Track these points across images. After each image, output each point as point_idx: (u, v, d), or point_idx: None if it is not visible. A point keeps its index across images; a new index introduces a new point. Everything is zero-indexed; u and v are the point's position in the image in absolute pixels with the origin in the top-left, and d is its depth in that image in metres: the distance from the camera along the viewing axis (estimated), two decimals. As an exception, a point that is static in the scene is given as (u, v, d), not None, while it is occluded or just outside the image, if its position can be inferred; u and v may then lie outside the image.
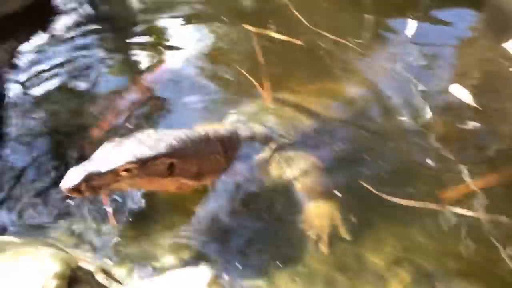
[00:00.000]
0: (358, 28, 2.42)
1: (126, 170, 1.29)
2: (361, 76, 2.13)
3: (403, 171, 1.65)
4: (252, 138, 1.66)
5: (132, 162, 1.29)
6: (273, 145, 1.67)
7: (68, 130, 1.89)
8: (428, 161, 1.65)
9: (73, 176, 1.23)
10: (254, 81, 2.03)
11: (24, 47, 2.39)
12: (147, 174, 1.34)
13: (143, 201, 1.56)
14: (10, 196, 1.55)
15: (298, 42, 2.27)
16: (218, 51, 2.37)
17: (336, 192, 1.53)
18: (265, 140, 1.68)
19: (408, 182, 1.58)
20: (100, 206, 1.51)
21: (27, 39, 2.42)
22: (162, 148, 1.35)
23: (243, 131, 1.67)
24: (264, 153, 1.64)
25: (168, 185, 1.46)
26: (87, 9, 2.71)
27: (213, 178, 1.58)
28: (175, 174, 1.40)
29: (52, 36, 2.48)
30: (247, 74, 2.06)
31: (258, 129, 1.71)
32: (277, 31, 2.36)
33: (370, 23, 2.47)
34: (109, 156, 1.31)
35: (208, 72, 2.22)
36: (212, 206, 1.56)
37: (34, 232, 1.36)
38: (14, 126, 1.91)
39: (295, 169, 1.59)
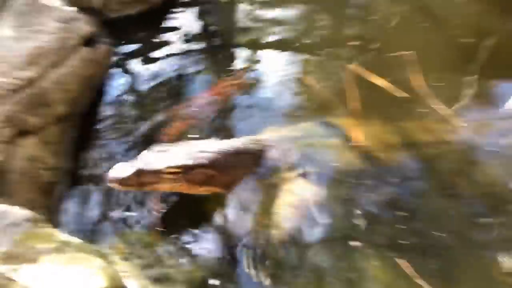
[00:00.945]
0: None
1: (171, 173, 1.43)
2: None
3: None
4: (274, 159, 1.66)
5: (178, 167, 1.43)
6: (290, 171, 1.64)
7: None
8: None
9: (122, 169, 1.42)
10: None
11: (131, 48, 2.61)
12: (187, 180, 1.48)
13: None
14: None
15: (402, 93, 2.06)
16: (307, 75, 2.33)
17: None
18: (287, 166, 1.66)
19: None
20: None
21: (136, 42, 2.66)
22: (204, 159, 1.48)
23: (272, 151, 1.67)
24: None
25: (201, 191, 1.57)
26: (195, 21, 2.86)
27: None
28: (212, 183, 1.53)
29: (157, 42, 2.67)
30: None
31: (290, 154, 1.67)
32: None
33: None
34: (157, 158, 1.46)
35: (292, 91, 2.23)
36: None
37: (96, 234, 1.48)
38: (107, 122, 2.10)
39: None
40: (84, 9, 2.62)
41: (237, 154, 1.57)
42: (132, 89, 2.33)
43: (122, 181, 1.42)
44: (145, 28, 2.74)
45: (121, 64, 2.46)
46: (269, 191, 1.61)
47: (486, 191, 1.62)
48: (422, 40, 2.43)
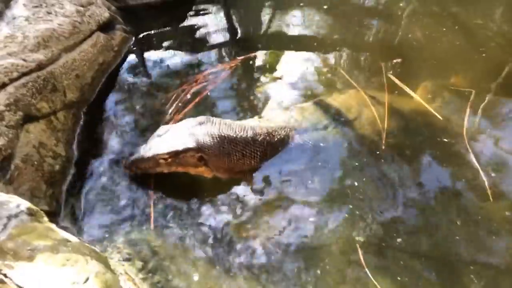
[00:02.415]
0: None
1: (162, 159, 1.52)
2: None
3: None
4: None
5: (165, 154, 1.51)
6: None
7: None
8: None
9: (130, 158, 1.59)
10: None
11: (148, 37, 2.53)
12: (179, 164, 1.54)
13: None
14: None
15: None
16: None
17: None
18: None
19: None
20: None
21: (153, 30, 2.57)
22: (191, 143, 1.51)
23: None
24: None
25: (204, 173, 1.59)
26: (220, 18, 2.75)
27: (246, 174, 1.64)
28: (208, 165, 1.55)
29: (174, 32, 2.59)
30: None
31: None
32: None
33: None
34: (154, 144, 1.55)
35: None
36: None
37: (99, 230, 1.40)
38: (118, 109, 2.02)
39: None
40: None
41: (230, 140, 1.56)
42: (145, 76, 2.24)
43: (126, 168, 1.61)
44: (163, 18, 2.66)
45: (137, 52, 2.38)
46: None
47: None
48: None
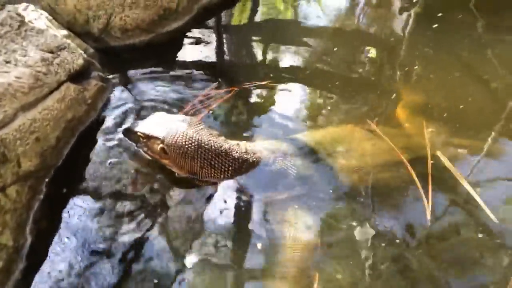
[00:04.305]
0: None
1: (140, 137, 1.65)
2: None
3: None
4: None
5: (141, 132, 1.64)
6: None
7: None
8: None
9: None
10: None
11: (128, 82, 2.22)
12: (148, 147, 1.66)
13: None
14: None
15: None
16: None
17: None
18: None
19: None
20: None
21: (135, 75, 2.27)
22: (159, 132, 1.60)
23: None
24: None
25: (171, 167, 1.64)
26: (198, 57, 2.49)
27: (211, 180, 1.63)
28: (169, 159, 1.61)
29: (157, 76, 2.29)
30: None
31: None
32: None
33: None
34: (141, 123, 1.68)
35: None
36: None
37: None
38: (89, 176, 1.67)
39: None
40: (81, 34, 2.26)
41: (199, 145, 1.57)
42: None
43: (123, 134, 1.77)
44: (151, 60, 2.37)
45: (117, 101, 2.06)
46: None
47: None
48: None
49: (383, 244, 1.46)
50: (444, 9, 2.77)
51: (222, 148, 1.59)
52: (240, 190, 1.62)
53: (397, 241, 1.47)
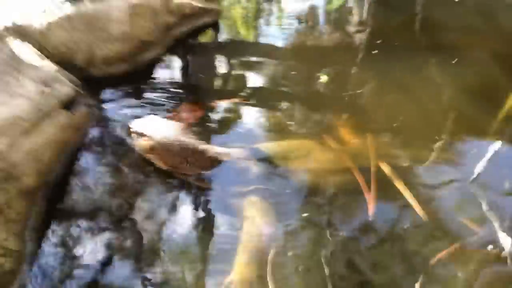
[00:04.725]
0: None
1: (133, 133, 2.06)
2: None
3: None
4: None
5: (135, 130, 2.04)
6: None
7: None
8: None
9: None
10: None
11: (111, 108, 2.49)
12: (139, 143, 2.03)
13: None
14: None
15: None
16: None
17: None
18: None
19: None
20: None
21: (117, 101, 2.55)
22: (150, 131, 2.00)
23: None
24: None
25: (155, 160, 2.00)
26: (177, 81, 2.81)
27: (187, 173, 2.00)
28: (156, 155, 1.99)
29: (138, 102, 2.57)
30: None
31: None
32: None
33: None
34: (138, 120, 2.12)
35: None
36: None
37: None
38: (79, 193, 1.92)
39: None
40: (66, 66, 2.52)
41: (182, 146, 1.98)
42: (112, 154, 2.18)
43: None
44: (127, 87, 2.65)
45: (100, 125, 2.32)
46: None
47: None
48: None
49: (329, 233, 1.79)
50: (385, 36, 3.22)
51: (199, 148, 2.00)
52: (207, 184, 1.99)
53: (340, 232, 1.80)
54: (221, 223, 1.83)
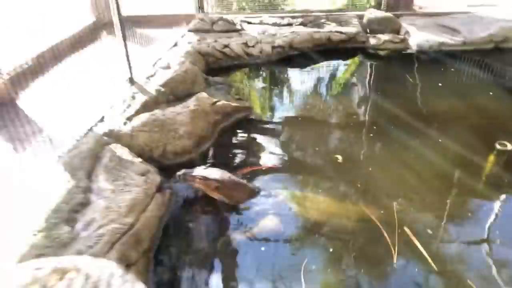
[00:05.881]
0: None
1: (199, 178, 2.90)
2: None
3: None
4: None
5: (201, 176, 2.90)
6: None
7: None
8: None
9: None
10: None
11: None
12: (205, 184, 2.89)
13: None
14: None
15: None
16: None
17: None
18: None
19: None
20: None
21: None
22: (215, 176, 2.90)
23: None
24: None
25: (216, 195, 2.89)
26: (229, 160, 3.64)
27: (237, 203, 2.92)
28: (220, 192, 2.86)
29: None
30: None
31: None
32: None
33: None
34: (198, 171, 2.97)
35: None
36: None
37: None
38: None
39: None
40: (146, 158, 3.38)
41: (234, 182, 2.95)
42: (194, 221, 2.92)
43: (181, 176, 2.97)
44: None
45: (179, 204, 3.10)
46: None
47: None
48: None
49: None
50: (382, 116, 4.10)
51: (240, 183, 2.96)
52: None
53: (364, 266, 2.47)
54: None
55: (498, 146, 3.33)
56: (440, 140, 3.69)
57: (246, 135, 4.07)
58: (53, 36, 5.44)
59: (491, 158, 3.35)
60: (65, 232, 2.16)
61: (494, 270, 2.45)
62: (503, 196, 3.04)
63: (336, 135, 3.92)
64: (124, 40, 3.98)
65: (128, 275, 1.49)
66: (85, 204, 2.42)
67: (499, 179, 3.21)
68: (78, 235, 2.19)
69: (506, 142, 3.34)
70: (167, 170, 3.44)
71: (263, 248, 2.64)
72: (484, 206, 3.00)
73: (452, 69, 5.31)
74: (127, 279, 1.45)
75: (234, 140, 3.97)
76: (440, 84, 4.81)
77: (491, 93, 4.53)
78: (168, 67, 4.55)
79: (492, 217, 2.87)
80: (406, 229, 2.74)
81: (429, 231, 2.75)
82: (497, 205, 2.98)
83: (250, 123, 4.26)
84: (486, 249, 2.63)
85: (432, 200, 3.05)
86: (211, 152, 3.73)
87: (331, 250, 2.61)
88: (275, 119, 4.39)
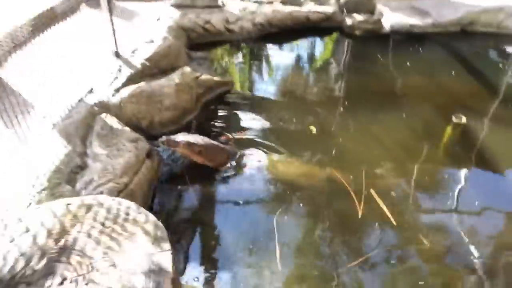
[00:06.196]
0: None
1: (184, 144, 3.09)
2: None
3: None
4: None
5: (185, 141, 3.11)
6: None
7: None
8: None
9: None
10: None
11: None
12: (190, 150, 3.12)
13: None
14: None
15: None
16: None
17: None
18: None
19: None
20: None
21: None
22: (199, 141, 3.15)
23: None
24: None
25: (198, 160, 3.16)
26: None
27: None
28: (203, 156, 3.15)
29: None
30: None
31: None
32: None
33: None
34: (181, 136, 3.17)
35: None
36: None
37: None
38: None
39: None
40: (134, 128, 3.60)
41: (216, 147, 3.26)
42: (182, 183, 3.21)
43: (165, 142, 3.17)
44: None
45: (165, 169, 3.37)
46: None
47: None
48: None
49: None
50: (353, 93, 4.43)
51: (221, 147, 3.26)
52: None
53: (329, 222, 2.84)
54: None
55: (454, 119, 3.71)
56: (404, 114, 4.07)
57: (227, 107, 4.33)
58: (34, 7, 5.43)
59: (448, 130, 3.75)
60: (67, 190, 2.40)
61: (445, 223, 2.88)
62: (456, 163, 3.46)
63: (311, 109, 4.23)
64: (110, 14, 4.10)
65: (142, 208, 1.76)
66: (82, 167, 2.65)
67: (453, 148, 3.64)
68: (79, 193, 2.43)
69: (462, 115, 3.73)
70: (154, 139, 3.69)
71: (241, 202, 2.98)
72: (440, 172, 3.41)
73: (421, 50, 5.68)
74: (141, 211, 1.73)
75: (216, 113, 4.22)
76: (408, 64, 5.17)
77: (453, 73, 4.93)
78: (151, 42, 4.70)
79: (447, 181, 3.29)
80: (371, 191, 3.11)
81: (392, 193, 3.14)
82: (451, 171, 3.39)
83: (231, 97, 4.51)
84: (440, 207, 3.05)
85: (396, 167, 3.44)
86: (194, 123, 3.98)
87: (301, 204, 2.96)
88: (255, 93, 4.66)
